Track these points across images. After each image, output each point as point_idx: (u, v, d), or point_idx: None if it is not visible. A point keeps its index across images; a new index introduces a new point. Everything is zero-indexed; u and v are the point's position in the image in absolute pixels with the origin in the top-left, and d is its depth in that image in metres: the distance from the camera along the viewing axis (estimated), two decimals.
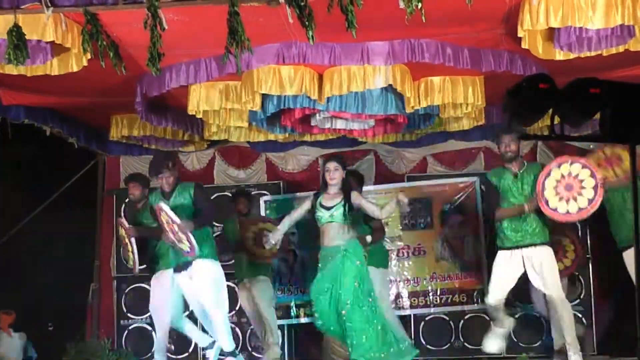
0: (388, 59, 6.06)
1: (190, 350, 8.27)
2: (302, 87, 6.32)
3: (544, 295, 6.41)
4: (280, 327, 7.76)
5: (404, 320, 8.15)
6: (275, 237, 6.28)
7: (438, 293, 8.02)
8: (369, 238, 6.68)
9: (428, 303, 8.06)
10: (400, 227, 8.16)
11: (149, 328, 8.13)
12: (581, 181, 5.90)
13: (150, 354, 7.76)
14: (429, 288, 8.04)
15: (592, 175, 5.89)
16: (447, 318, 8.05)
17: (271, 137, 8.12)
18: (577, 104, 3.62)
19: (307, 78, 6.33)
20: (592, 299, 7.77)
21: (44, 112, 7.55)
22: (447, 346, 8.01)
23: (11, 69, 5.80)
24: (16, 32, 5.20)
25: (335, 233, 6.00)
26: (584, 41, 5.67)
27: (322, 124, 7.27)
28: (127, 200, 8.53)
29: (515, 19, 5.43)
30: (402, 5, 4.87)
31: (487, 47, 6.13)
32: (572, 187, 5.91)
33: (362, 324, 5.82)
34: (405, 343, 6.18)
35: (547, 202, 5.93)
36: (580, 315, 7.72)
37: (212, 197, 8.47)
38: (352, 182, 6.76)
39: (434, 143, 8.63)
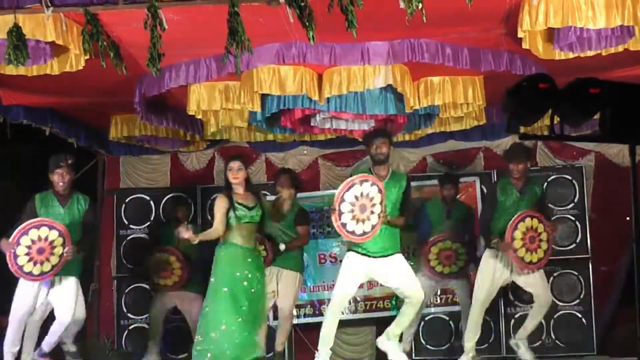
0: (388, 59, 6.06)
1: (190, 350, 8.26)
2: (302, 87, 6.31)
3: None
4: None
5: None
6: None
7: (438, 293, 8.02)
8: (282, 246, 6.70)
9: (428, 303, 8.03)
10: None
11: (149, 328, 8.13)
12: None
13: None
14: None
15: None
16: (447, 318, 8.05)
17: (270, 137, 8.13)
18: (577, 104, 3.63)
19: (306, 78, 6.33)
20: (592, 299, 7.77)
21: (44, 112, 7.55)
22: (446, 346, 8.01)
23: (11, 69, 5.80)
24: (16, 33, 5.19)
25: (251, 234, 5.97)
26: (583, 41, 5.66)
27: (322, 124, 7.27)
28: (127, 200, 8.56)
29: (515, 19, 5.43)
30: (402, 5, 4.87)
31: (487, 47, 6.13)
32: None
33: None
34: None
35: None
36: (580, 315, 7.73)
37: (212, 197, 8.49)
38: (286, 180, 6.88)
39: (434, 143, 8.63)
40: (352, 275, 6.05)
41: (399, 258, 6.10)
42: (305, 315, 8.23)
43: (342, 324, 8.22)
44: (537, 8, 5.19)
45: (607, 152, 8.32)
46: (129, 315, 8.40)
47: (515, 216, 6.35)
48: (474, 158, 8.71)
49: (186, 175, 8.97)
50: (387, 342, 6.16)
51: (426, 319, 8.08)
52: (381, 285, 6.80)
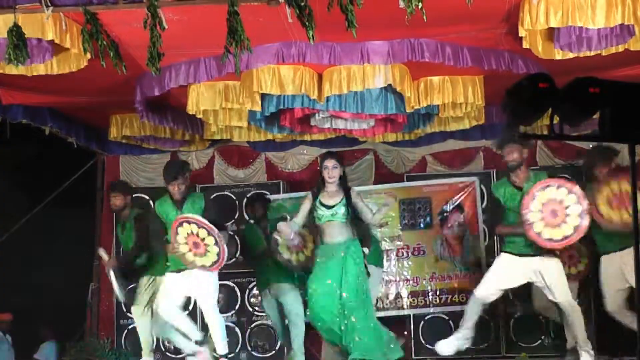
0: (388, 59, 6.06)
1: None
2: (302, 86, 6.31)
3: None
4: None
5: (404, 320, 8.18)
6: (286, 231, 6.13)
7: (437, 293, 8.02)
8: (366, 250, 6.59)
9: (427, 303, 8.06)
10: (400, 227, 8.16)
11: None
12: (566, 207, 5.77)
13: None
14: (429, 288, 8.04)
15: (578, 202, 5.76)
16: (447, 318, 8.05)
17: (270, 136, 8.12)
18: (577, 104, 3.61)
19: (306, 78, 6.33)
20: (592, 299, 7.76)
21: (44, 112, 7.55)
22: None
23: (11, 69, 5.80)
24: (16, 32, 5.19)
25: (337, 231, 6.00)
26: (583, 41, 5.66)
27: (322, 123, 7.27)
28: None
29: (515, 19, 5.44)
30: (402, 4, 4.87)
31: (487, 46, 6.13)
32: (556, 213, 5.78)
33: (363, 322, 5.82)
34: (395, 343, 6.16)
35: (531, 226, 5.81)
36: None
37: (211, 197, 8.48)
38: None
39: (434, 143, 8.63)
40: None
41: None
42: (304, 315, 8.21)
43: None
44: (538, 7, 5.20)
45: None
46: (129, 315, 8.38)
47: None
48: (474, 158, 8.71)
49: None
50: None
51: (426, 318, 8.08)
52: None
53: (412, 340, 8.06)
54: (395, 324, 8.16)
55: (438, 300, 8.04)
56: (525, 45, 5.64)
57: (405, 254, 8.14)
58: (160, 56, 5.30)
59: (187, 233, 6.05)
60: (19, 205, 8.01)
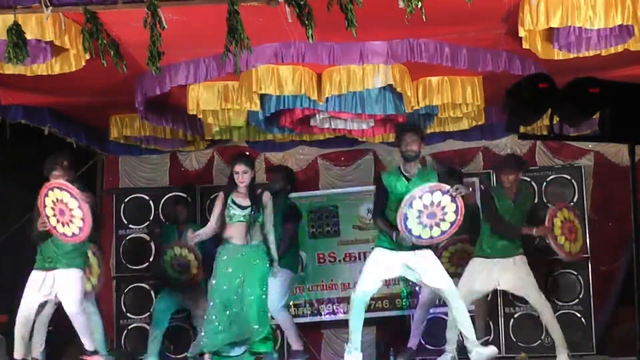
0: (387, 59, 6.06)
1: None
2: (301, 87, 6.31)
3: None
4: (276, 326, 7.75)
5: (403, 320, 8.17)
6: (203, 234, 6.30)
7: None
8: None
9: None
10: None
11: (148, 328, 8.12)
12: (443, 207, 5.85)
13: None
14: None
15: (453, 200, 5.84)
16: (447, 318, 8.03)
17: (270, 136, 8.12)
18: (577, 104, 3.63)
19: (306, 78, 6.33)
20: (592, 299, 7.77)
21: (43, 112, 7.54)
22: None
23: (10, 69, 5.80)
24: (16, 30, 5.19)
25: (243, 231, 6.10)
26: (583, 41, 5.67)
27: (321, 124, 7.27)
28: (126, 200, 8.56)
29: (514, 19, 5.44)
30: (401, 4, 4.87)
31: (486, 47, 6.13)
32: (435, 214, 5.85)
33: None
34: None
35: (410, 231, 5.86)
36: (579, 315, 7.72)
37: (211, 197, 8.48)
38: (278, 179, 7.09)
39: (433, 143, 8.61)
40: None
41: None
42: (303, 315, 8.22)
43: (342, 323, 8.25)
44: (537, 8, 5.20)
45: (606, 152, 8.32)
46: (128, 315, 8.40)
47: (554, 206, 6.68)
48: (473, 158, 8.70)
49: (185, 175, 8.97)
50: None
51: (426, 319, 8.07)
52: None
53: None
54: (395, 323, 8.19)
55: (438, 301, 8.03)
56: (525, 45, 5.64)
57: None
58: (160, 55, 5.30)
59: (53, 201, 5.90)
60: (19, 205, 7.98)
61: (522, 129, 6.30)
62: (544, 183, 7.98)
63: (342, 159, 8.87)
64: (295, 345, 7.22)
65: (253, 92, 6.38)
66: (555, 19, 5.23)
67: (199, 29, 5.64)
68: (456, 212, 5.87)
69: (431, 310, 8.03)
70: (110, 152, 8.93)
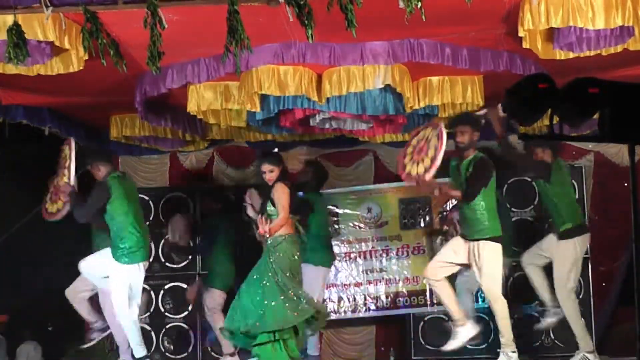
0: (387, 59, 6.06)
1: (190, 350, 8.27)
2: (302, 87, 6.31)
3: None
4: None
5: (403, 320, 8.18)
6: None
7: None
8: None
9: (427, 302, 8.06)
10: (400, 226, 8.17)
11: (148, 328, 8.13)
12: (428, 141, 5.94)
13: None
14: (428, 287, 8.04)
15: (438, 136, 5.88)
16: (447, 318, 8.04)
17: (270, 137, 8.12)
18: (576, 104, 3.62)
19: (306, 78, 6.33)
20: (592, 299, 7.77)
21: (43, 112, 7.54)
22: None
23: (11, 69, 5.80)
24: (16, 31, 5.19)
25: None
26: (583, 41, 5.67)
27: (322, 124, 7.27)
28: None
29: (515, 19, 5.44)
30: (401, 4, 4.87)
31: (486, 46, 6.13)
32: (422, 149, 5.97)
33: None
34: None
35: (404, 168, 6.03)
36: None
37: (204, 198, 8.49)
38: (306, 173, 7.03)
39: None
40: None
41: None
42: None
43: (342, 323, 8.26)
44: (538, 8, 5.20)
45: (606, 152, 8.33)
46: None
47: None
48: None
49: (185, 175, 8.97)
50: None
51: (426, 319, 8.08)
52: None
53: (412, 340, 8.06)
54: (395, 323, 8.20)
55: (438, 300, 8.04)
56: (525, 45, 5.64)
57: (405, 253, 8.15)
58: (160, 55, 5.30)
59: None
60: (19, 205, 7.98)
61: (522, 129, 6.35)
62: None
63: (342, 159, 8.87)
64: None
65: (253, 93, 6.38)
66: (556, 19, 5.23)
67: (199, 29, 5.64)
68: (435, 148, 5.86)
69: (431, 309, 8.06)
70: (110, 152, 8.92)
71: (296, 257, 6.10)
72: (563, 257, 6.53)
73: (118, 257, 6.41)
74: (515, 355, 6.16)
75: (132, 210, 6.52)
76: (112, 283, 6.46)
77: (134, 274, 6.47)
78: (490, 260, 6.07)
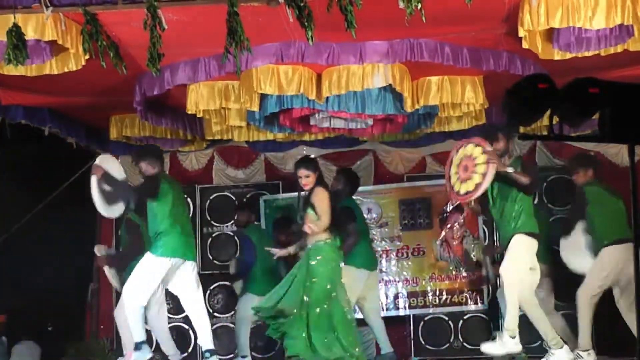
0: (387, 59, 6.06)
1: (190, 350, 8.27)
2: (301, 86, 6.31)
3: None
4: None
5: (403, 320, 8.18)
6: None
7: (437, 293, 8.03)
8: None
9: (427, 303, 8.07)
10: (400, 227, 8.17)
11: (148, 328, 8.12)
12: (474, 159, 5.83)
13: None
14: (428, 288, 8.06)
15: (484, 151, 5.80)
16: (447, 318, 8.06)
17: (270, 136, 8.12)
18: (576, 104, 3.62)
19: (305, 78, 6.33)
20: None
21: (43, 112, 7.54)
22: (446, 346, 8.01)
23: (10, 69, 5.80)
24: (15, 32, 5.19)
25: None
26: (582, 41, 5.67)
27: (321, 123, 7.27)
28: None
29: (515, 19, 5.44)
30: (401, 5, 4.87)
31: (486, 46, 6.13)
32: (467, 167, 5.84)
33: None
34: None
35: (453, 189, 5.90)
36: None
37: (211, 198, 8.48)
38: (340, 180, 6.88)
39: (433, 143, 8.62)
40: None
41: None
42: None
43: None
44: (537, 8, 5.20)
45: (606, 152, 8.32)
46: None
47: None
48: None
49: (185, 175, 8.97)
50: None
51: (426, 319, 8.09)
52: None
53: (412, 341, 8.06)
54: (395, 324, 8.19)
55: (438, 301, 8.05)
56: (524, 45, 5.64)
57: (405, 254, 8.15)
58: (160, 57, 5.30)
59: None
60: (19, 205, 8.00)
61: (522, 129, 6.35)
62: (544, 183, 7.98)
63: (342, 159, 8.87)
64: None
65: (253, 92, 6.38)
66: (555, 19, 5.23)
67: (199, 29, 5.64)
68: (486, 164, 5.75)
69: (431, 310, 8.06)
70: (110, 152, 8.92)
71: (336, 262, 6.08)
72: (600, 266, 6.57)
73: (153, 249, 6.41)
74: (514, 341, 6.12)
75: (176, 212, 6.52)
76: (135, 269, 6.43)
77: (165, 267, 6.40)
78: (516, 248, 5.97)
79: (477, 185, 5.76)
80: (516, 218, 5.99)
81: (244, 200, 8.47)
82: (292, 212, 7.49)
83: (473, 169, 5.80)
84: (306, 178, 6.09)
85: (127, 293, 6.41)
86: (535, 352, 7.33)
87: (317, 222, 5.97)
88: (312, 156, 6.88)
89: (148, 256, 6.40)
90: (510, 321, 6.02)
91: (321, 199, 6.03)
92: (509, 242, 6.00)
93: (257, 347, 8.15)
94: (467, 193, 5.83)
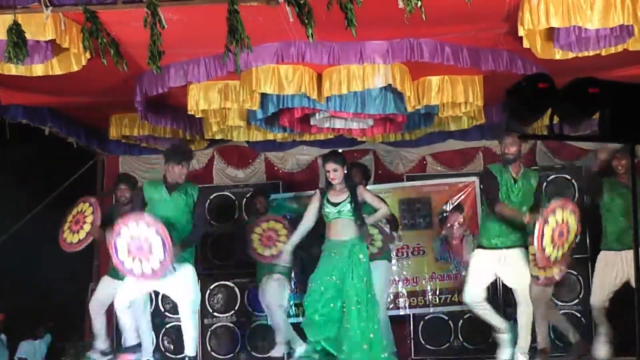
0: (387, 58, 6.06)
1: None
2: (301, 86, 6.32)
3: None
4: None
5: (404, 320, 8.18)
6: (287, 252, 6.26)
7: (437, 293, 8.02)
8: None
9: (427, 303, 8.07)
10: (400, 227, 8.17)
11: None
12: (569, 225, 5.80)
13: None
14: (428, 288, 8.05)
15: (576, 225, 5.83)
16: (446, 318, 8.06)
17: (270, 136, 8.12)
18: (576, 104, 3.62)
19: (306, 77, 6.33)
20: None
21: (43, 112, 7.55)
22: (446, 346, 8.01)
23: (11, 69, 5.80)
24: (16, 30, 5.19)
25: (342, 229, 5.99)
26: (582, 41, 5.67)
27: (321, 123, 7.27)
28: None
29: (515, 19, 5.44)
30: (401, 4, 4.87)
31: (486, 46, 6.13)
32: (562, 233, 5.76)
33: (363, 324, 5.83)
34: (390, 356, 6.10)
35: (544, 250, 5.70)
36: (579, 315, 7.72)
37: (211, 197, 8.48)
38: (356, 174, 6.85)
39: (433, 143, 8.63)
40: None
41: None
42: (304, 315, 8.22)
43: None
44: (538, 8, 5.20)
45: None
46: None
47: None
48: (473, 158, 8.71)
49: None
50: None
51: (426, 318, 8.08)
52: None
53: (412, 341, 8.06)
54: (395, 323, 8.19)
55: (438, 300, 8.05)
56: (525, 45, 5.64)
57: (405, 254, 8.15)
58: (160, 54, 5.31)
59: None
60: (19, 205, 8.00)
61: (522, 129, 6.33)
62: (544, 183, 7.97)
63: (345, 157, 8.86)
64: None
65: (253, 92, 6.38)
66: (556, 19, 5.23)
67: (199, 28, 5.64)
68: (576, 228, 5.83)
69: (431, 310, 8.06)
70: (110, 152, 8.93)
71: (366, 258, 6.06)
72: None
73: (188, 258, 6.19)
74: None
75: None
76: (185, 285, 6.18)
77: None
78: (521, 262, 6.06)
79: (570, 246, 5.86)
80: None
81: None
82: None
83: (567, 234, 5.78)
84: (334, 172, 6.03)
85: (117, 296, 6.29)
86: (535, 352, 7.31)
87: (382, 212, 6.17)
88: (340, 150, 6.86)
89: (188, 267, 6.18)
90: (523, 340, 6.18)
91: (368, 194, 6.13)
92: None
93: (258, 347, 8.15)
94: (555, 259, 5.81)
